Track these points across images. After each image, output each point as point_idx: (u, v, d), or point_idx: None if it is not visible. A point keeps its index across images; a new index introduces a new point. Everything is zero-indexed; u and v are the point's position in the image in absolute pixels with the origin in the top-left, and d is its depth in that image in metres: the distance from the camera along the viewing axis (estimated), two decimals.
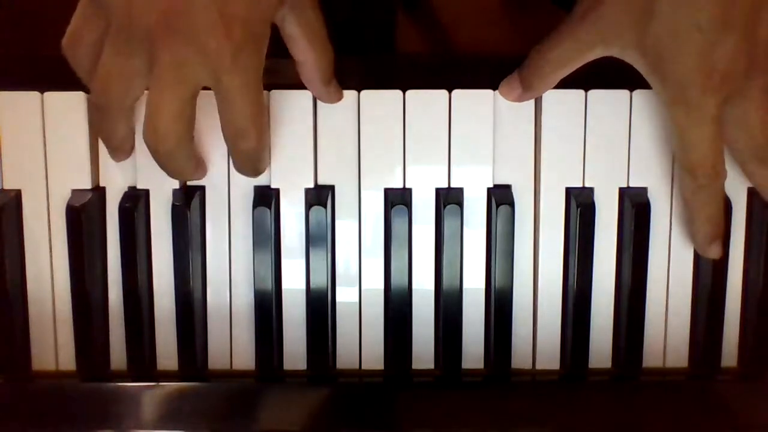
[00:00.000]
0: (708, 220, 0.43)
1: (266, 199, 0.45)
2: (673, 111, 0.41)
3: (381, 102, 0.45)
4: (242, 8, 0.38)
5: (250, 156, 0.41)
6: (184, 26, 0.37)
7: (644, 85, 0.42)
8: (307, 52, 0.42)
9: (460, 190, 0.45)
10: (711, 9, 0.38)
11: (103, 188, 0.46)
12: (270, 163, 0.45)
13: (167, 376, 0.46)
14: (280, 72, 0.43)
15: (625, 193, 0.45)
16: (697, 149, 0.41)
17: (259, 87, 0.40)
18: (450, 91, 0.45)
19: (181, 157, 0.40)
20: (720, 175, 0.42)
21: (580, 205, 0.45)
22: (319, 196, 0.45)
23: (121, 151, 0.44)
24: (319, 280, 0.45)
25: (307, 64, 0.42)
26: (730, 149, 0.42)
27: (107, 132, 0.43)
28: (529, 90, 0.44)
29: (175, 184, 0.45)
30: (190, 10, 0.37)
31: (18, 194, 0.45)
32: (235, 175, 0.45)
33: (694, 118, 0.40)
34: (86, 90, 0.44)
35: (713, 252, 0.44)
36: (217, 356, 0.47)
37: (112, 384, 0.44)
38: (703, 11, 0.39)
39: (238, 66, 0.38)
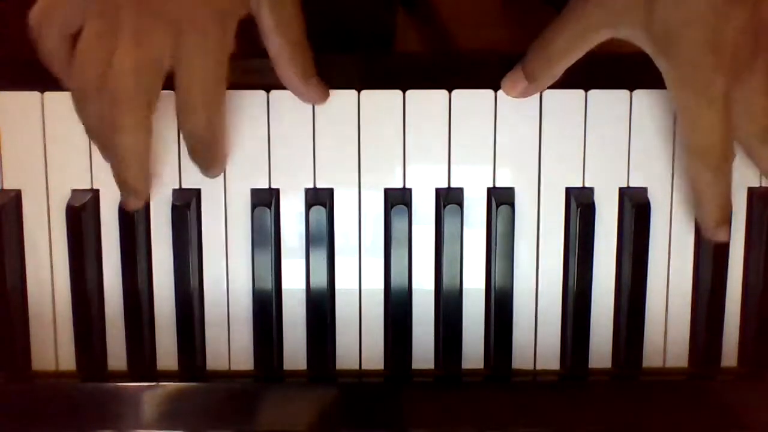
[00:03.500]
0: (716, 203, 0.42)
1: (266, 198, 0.45)
2: (681, 92, 0.40)
3: (381, 102, 0.45)
4: None
5: (197, 138, 0.40)
6: None
7: (644, 85, 0.42)
8: (280, 46, 0.41)
9: (460, 190, 0.45)
10: None
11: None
12: (269, 163, 0.45)
13: (167, 376, 0.46)
14: None
15: (625, 193, 0.45)
16: (706, 131, 0.40)
17: (218, 62, 0.39)
18: (450, 91, 0.45)
19: (134, 126, 0.38)
20: (729, 156, 0.41)
21: (580, 205, 0.45)
22: (319, 196, 0.45)
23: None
24: (319, 280, 0.45)
25: (281, 60, 0.42)
26: (735, 131, 0.41)
27: (92, 125, 0.41)
28: (534, 83, 0.43)
29: (176, 184, 0.45)
30: None
31: (18, 194, 0.45)
32: (235, 175, 0.45)
33: (703, 99, 0.39)
34: None
35: (721, 235, 0.43)
36: (217, 356, 0.47)
37: (112, 384, 0.44)
38: None
39: (197, 36, 0.38)
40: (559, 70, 0.42)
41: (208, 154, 0.42)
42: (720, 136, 0.40)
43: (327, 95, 0.44)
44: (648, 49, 0.41)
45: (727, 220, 0.43)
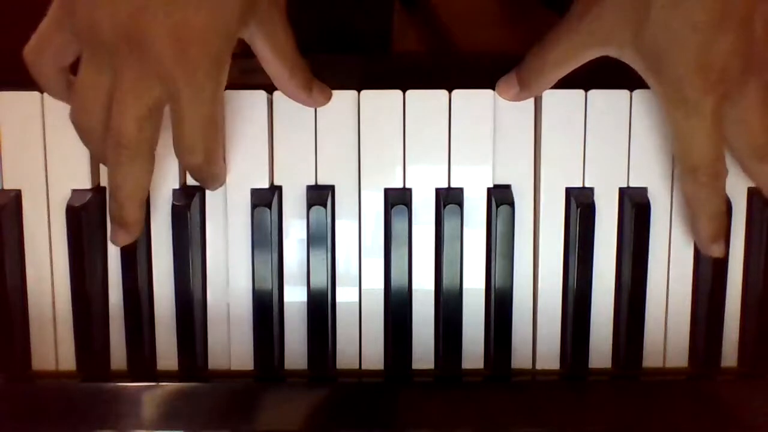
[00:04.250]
0: (710, 219, 0.43)
1: (266, 198, 0.45)
2: (670, 111, 0.41)
3: (381, 102, 0.45)
4: (199, 26, 0.37)
5: (197, 171, 0.42)
6: (141, 43, 0.37)
7: (644, 85, 0.42)
8: (279, 69, 0.42)
9: (460, 190, 0.45)
10: (707, 7, 0.38)
11: (103, 188, 0.46)
12: (270, 163, 0.45)
13: (167, 376, 0.46)
14: None
15: (625, 193, 0.45)
16: (696, 149, 0.41)
17: (213, 107, 0.39)
18: (450, 91, 0.45)
19: (138, 166, 0.40)
20: (720, 173, 0.42)
21: (580, 205, 0.45)
22: (320, 195, 0.45)
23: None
24: (319, 280, 0.45)
25: (281, 80, 0.43)
26: (729, 148, 0.42)
27: (97, 155, 0.42)
28: (527, 89, 0.44)
29: (176, 183, 0.45)
30: (147, 28, 0.37)
31: (18, 194, 0.45)
32: (235, 175, 0.45)
33: (692, 118, 0.40)
34: None
35: (716, 250, 0.44)
36: (217, 356, 0.47)
37: (112, 384, 0.44)
38: (699, 10, 0.38)
39: (192, 86, 0.38)
40: (551, 80, 0.43)
41: (208, 177, 0.43)
42: (710, 154, 0.41)
43: (330, 96, 0.45)
44: (638, 68, 0.41)
45: (722, 235, 0.43)
